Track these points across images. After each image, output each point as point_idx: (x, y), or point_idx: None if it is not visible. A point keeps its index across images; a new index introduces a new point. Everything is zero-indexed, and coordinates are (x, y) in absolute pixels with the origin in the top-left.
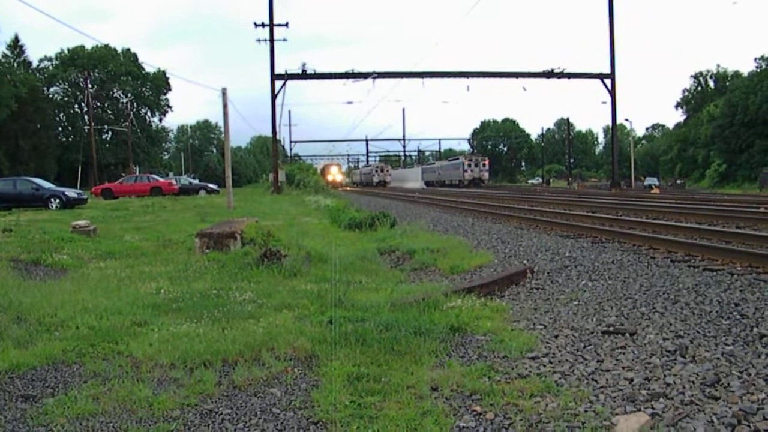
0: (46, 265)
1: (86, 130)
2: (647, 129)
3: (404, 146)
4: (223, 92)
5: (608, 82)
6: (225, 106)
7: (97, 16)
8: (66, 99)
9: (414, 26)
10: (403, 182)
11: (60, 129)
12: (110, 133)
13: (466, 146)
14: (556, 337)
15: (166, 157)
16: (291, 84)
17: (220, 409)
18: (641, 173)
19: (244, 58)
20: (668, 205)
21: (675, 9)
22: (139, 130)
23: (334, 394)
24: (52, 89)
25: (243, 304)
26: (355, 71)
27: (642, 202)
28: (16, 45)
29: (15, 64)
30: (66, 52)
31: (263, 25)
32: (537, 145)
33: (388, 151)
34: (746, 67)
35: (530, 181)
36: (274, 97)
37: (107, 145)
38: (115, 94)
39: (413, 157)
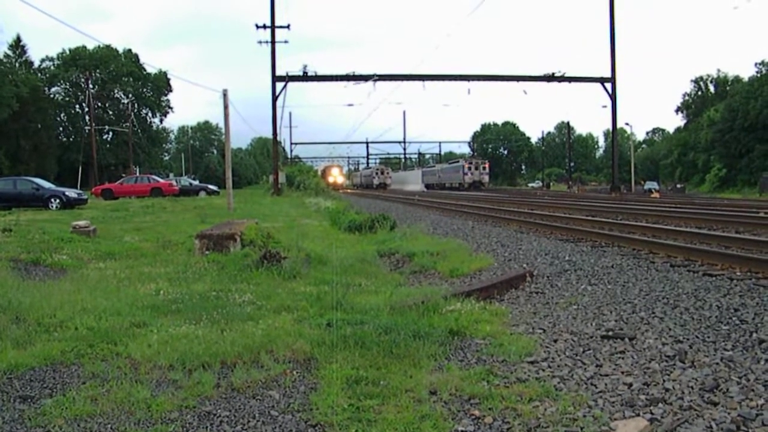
0: (45, 265)
1: (87, 131)
2: (647, 133)
3: (405, 149)
4: (224, 93)
5: (609, 86)
6: (226, 107)
7: (99, 17)
8: (67, 99)
9: (415, 29)
10: (404, 185)
11: (61, 129)
12: (111, 133)
13: (466, 149)
14: (556, 341)
15: (167, 158)
16: (292, 86)
17: (219, 411)
18: (641, 177)
19: (245, 59)
20: (668, 210)
21: (676, 13)
22: (139, 131)
23: (333, 397)
24: (53, 89)
25: (242, 306)
26: (355, 73)
27: (642, 207)
28: (17, 45)
29: (17, 64)
30: (67, 52)
31: (264, 26)
32: (537, 148)
33: (388, 154)
34: (747, 71)
35: (530, 185)
36: (275, 98)
37: (108, 146)
38: (116, 95)
39: (413, 160)
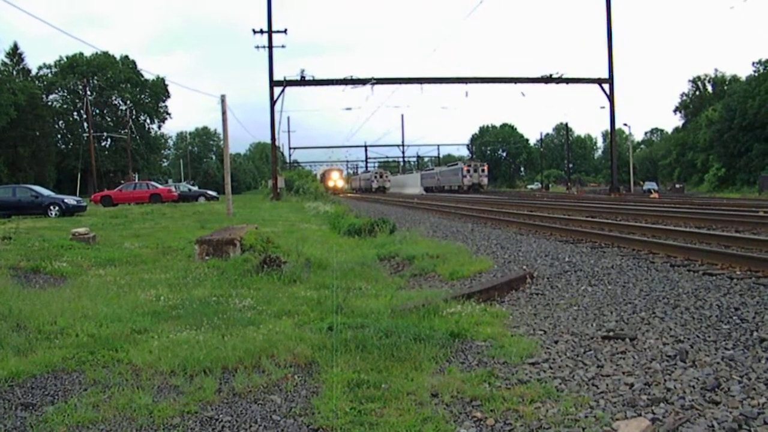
0: (45, 272)
1: (85, 138)
2: (646, 133)
3: (403, 152)
4: (222, 99)
5: (606, 86)
6: (224, 113)
7: (97, 24)
8: (65, 106)
9: (412, 32)
10: (403, 188)
11: (59, 136)
12: (109, 140)
13: (465, 152)
14: (556, 342)
15: (165, 164)
16: (290, 90)
17: (221, 416)
18: (640, 178)
19: (242, 64)
20: (667, 210)
21: (673, 13)
22: (138, 137)
23: (335, 401)
24: (51, 97)
25: (243, 311)
26: (353, 77)
27: (641, 207)
28: (15, 53)
29: (14, 72)
30: (65, 59)
31: (262, 31)
32: (536, 150)
33: (387, 157)
34: (744, 71)
35: (529, 187)
36: (272, 103)
37: (106, 153)
38: (114, 102)
39: (412, 163)
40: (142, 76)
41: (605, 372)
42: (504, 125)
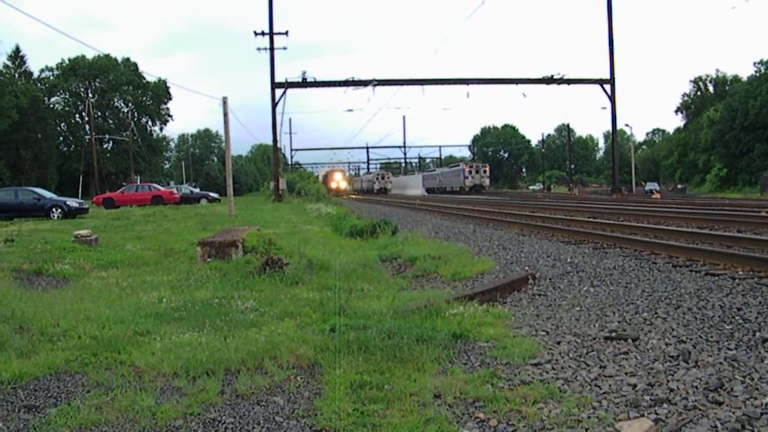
0: (48, 275)
1: (87, 140)
2: (647, 134)
3: (405, 153)
4: (224, 101)
5: (608, 87)
6: (225, 114)
7: (99, 26)
8: (67, 109)
9: (413, 34)
10: (404, 189)
11: (61, 139)
12: (111, 142)
13: (466, 153)
14: (559, 343)
15: (167, 166)
16: (291, 92)
17: (223, 418)
18: (642, 178)
19: (244, 66)
20: (669, 210)
21: (674, 14)
22: (139, 140)
23: (337, 402)
24: (53, 99)
25: (245, 312)
26: (355, 79)
27: (643, 208)
28: (17, 56)
29: (16, 75)
30: (67, 62)
31: (263, 33)
32: (537, 151)
33: (388, 159)
34: (746, 71)
35: (531, 187)
36: (274, 105)
37: (108, 155)
38: (116, 104)
39: (414, 164)
40: (144, 79)
41: (608, 373)
42: (505, 126)
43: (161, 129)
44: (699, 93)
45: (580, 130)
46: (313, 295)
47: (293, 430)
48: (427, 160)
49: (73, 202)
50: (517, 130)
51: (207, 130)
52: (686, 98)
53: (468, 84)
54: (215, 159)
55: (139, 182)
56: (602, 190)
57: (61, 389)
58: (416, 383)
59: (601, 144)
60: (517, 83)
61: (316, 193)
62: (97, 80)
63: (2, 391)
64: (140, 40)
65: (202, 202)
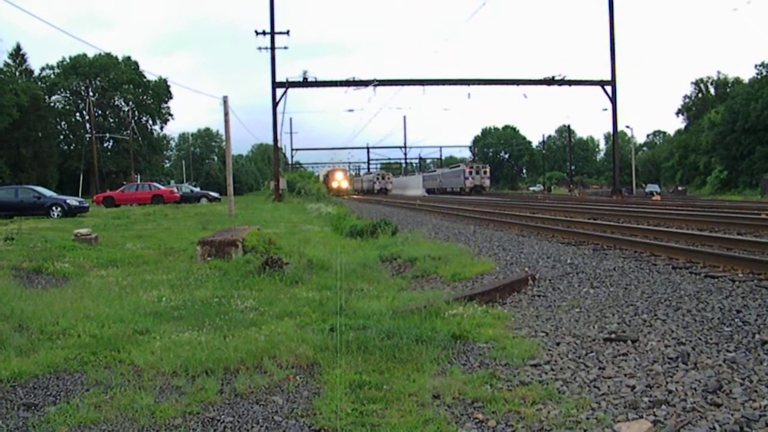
0: (47, 273)
1: (88, 139)
2: (648, 136)
3: (405, 154)
4: (225, 100)
5: (609, 89)
6: (226, 114)
7: (100, 25)
8: (67, 107)
9: (414, 34)
10: (405, 190)
11: (61, 137)
12: (111, 141)
13: (467, 153)
14: (558, 344)
15: (168, 165)
16: (292, 92)
17: (222, 417)
18: (642, 180)
19: (245, 66)
20: (669, 212)
21: (675, 15)
22: (140, 138)
23: (336, 402)
24: (53, 98)
25: (245, 312)
26: (355, 79)
27: (643, 209)
28: (17, 54)
29: (17, 73)
30: (68, 60)
31: (264, 33)
32: (538, 152)
33: (389, 159)
34: (747, 73)
35: (531, 188)
36: (275, 104)
37: (108, 153)
38: (117, 103)
39: (414, 165)
40: (144, 77)
41: (607, 374)
42: (506, 127)
43: (162, 128)
44: (700, 95)
45: (581, 132)
46: (312, 295)
47: (292, 429)
48: (428, 161)
49: (73, 201)
50: (518, 131)
51: (207, 130)
52: (687, 100)
53: (469, 84)
54: (215, 158)
55: (139, 181)
56: (602, 192)
57: (60, 388)
58: (415, 383)
59: (602, 145)
60: (518, 84)
61: (317, 192)
62: (98, 79)
63: (1, 390)
64: (141, 39)
65: (202, 202)
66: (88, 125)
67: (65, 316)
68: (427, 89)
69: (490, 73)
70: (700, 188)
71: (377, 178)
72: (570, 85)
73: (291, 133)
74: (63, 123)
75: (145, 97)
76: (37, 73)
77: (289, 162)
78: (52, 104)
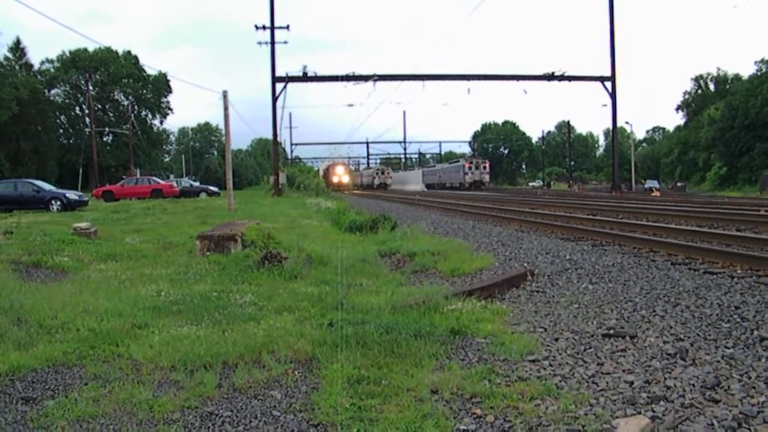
0: (46, 267)
1: (87, 133)
2: (648, 132)
3: (405, 148)
4: (224, 95)
5: (609, 84)
6: (226, 108)
7: (102, 19)
8: (67, 101)
9: (415, 29)
10: (404, 185)
11: (61, 131)
12: (111, 135)
13: (466, 149)
14: (557, 340)
15: (167, 159)
16: (292, 86)
17: (221, 411)
18: (642, 176)
19: (245, 60)
20: (669, 208)
21: (675, 11)
22: (139, 133)
23: (335, 397)
24: (53, 91)
25: (243, 306)
26: (355, 74)
27: (642, 205)
28: (17, 48)
29: (16, 67)
30: (67, 54)
31: (264, 27)
32: (537, 147)
33: (388, 154)
34: (747, 70)
35: (531, 184)
36: (274, 99)
37: (108, 148)
38: (116, 97)
39: (414, 160)
40: (144, 72)
41: (605, 370)
42: (506, 122)
43: (161, 122)
44: (700, 91)
45: (581, 127)
46: (311, 290)
47: (290, 424)
48: (427, 156)
49: (72, 195)
50: (518, 126)
51: (207, 124)
52: (687, 96)
53: (469, 80)
54: (215, 153)
55: (138, 175)
56: (602, 188)
57: (58, 381)
58: (414, 378)
59: (601, 141)
60: (518, 79)
61: (316, 187)
62: (98, 73)
63: (0, 383)
64: (142, 33)
65: (202, 196)
66: (87, 119)
67: (64, 310)
68: (427, 84)
69: (490, 69)
70: (700, 184)
71: (377, 173)
72: (570, 80)
73: (290, 127)
74: (62, 117)
75: (144, 92)
76: (36, 66)
77: (289, 157)
78: (51, 98)
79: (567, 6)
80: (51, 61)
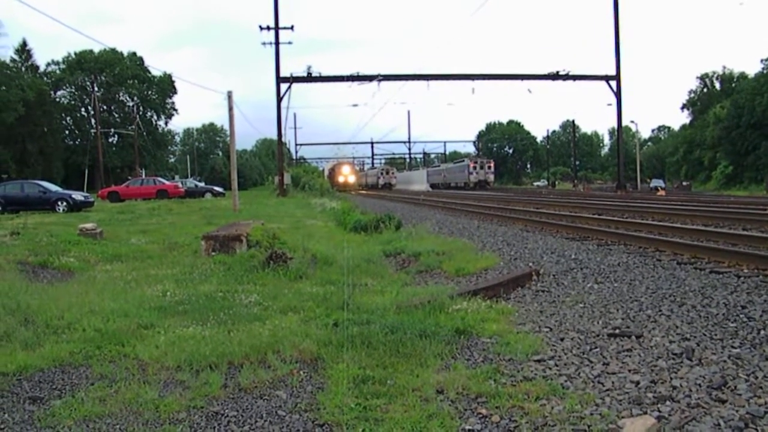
0: (53, 267)
1: (93, 134)
2: (653, 131)
3: (409, 148)
4: (229, 95)
5: (614, 83)
6: (230, 109)
7: (108, 21)
8: (73, 102)
9: (419, 29)
10: (409, 184)
11: (67, 132)
12: (116, 136)
13: (471, 148)
14: (562, 339)
15: (172, 160)
16: (296, 87)
17: (226, 411)
18: (647, 175)
19: (249, 61)
20: (674, 207)
21: (681, 10)
22: (145, 133)
23: (340, 397)
24: (59, 93)
25: (249, 306)
26: (360, 74)
27: (648, 204)
28: (23, 49)
29: (23, 69)
30: (73, 55)
31: (268, 28)
32: (542, 147)
33: (393, 154)
34: (752, 68)
35: (536, 184)
36: (279, 99)
37: (113, 148)
38: (122, 98)
39: (418, 160)
40: (149, 73)
41: (611, 369)
42: (510, 122)
43: (166, 123)
44: (705, 90)
45: (585, 127)
46: (316, 290)
47: (296, 424)
48: (432, 156)
49: (78, 196)
50: (522, 126)
51: (212, 125)
52: (692, 95)
53: (473, 79)
54: (220, 153)
55: (144, 176)
56: (607, 187)
57: (65, 381)
58: (419, 378)
59: (606, 140)
60: (522, 79)
61: (321, 187)
62: (103, 74)
63: (7, 383)
64: (147, 35)
65: (207, 196)
66: (93, 120)
67: (70, 311)
68: (432, 84)
69: (495, 68)
70: (705, 183)
71: (381, 173)
72: (574, 80)
73: (295, 128)
74: (68, 118)
75: (149, 93)
76: (42, 68)
77: (294, 157)
78: (57, 99)
79: (571, 5)
80: (57, 63)
